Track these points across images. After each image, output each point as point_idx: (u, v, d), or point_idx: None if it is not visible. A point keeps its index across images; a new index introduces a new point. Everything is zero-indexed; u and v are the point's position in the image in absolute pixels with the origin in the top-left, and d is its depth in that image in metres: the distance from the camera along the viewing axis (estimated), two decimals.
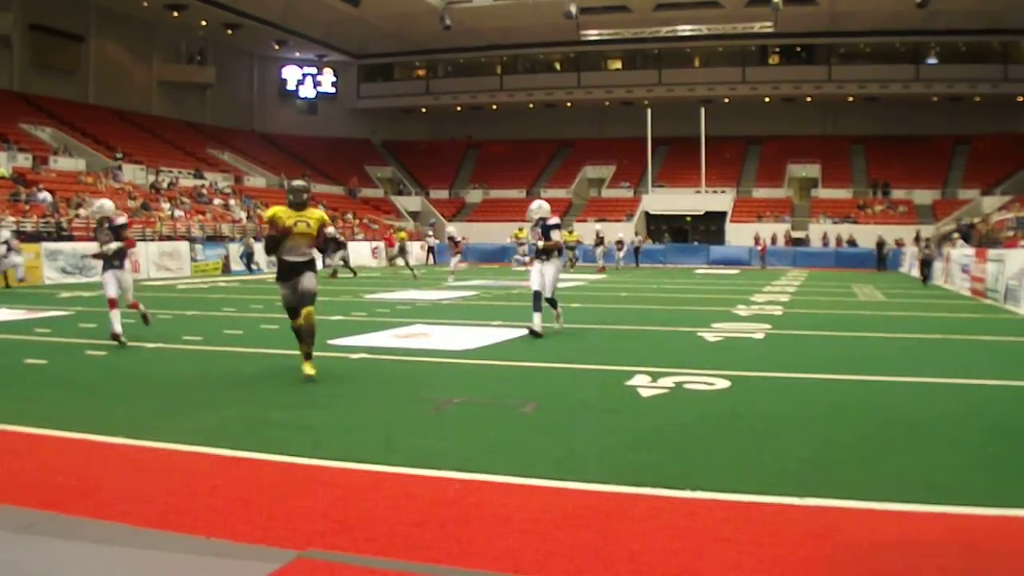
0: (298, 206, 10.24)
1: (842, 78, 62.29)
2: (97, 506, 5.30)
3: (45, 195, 37.09)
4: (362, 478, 5.99)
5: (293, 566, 4.33)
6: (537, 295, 14.69)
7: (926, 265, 35.17)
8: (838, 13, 56.66)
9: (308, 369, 9.98)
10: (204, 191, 49.91)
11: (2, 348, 13.22)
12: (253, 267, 38.69)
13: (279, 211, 10.19)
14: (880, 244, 47.77)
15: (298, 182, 10.66)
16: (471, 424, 7.85)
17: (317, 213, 10.36)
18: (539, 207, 15.38)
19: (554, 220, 15.20)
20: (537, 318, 14.54)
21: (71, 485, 5.78)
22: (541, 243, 14.95)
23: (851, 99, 64.65)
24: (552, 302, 15.01)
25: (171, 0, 53.96)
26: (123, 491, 5.65)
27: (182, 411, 8.39)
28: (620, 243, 47.80)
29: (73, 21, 54.07)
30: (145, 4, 54.66)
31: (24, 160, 42.24)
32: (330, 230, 34.85)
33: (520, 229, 45.80)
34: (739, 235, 57.51)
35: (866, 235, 52.99)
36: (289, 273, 10.22)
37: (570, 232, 46.69)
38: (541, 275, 14.80)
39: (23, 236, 30.56)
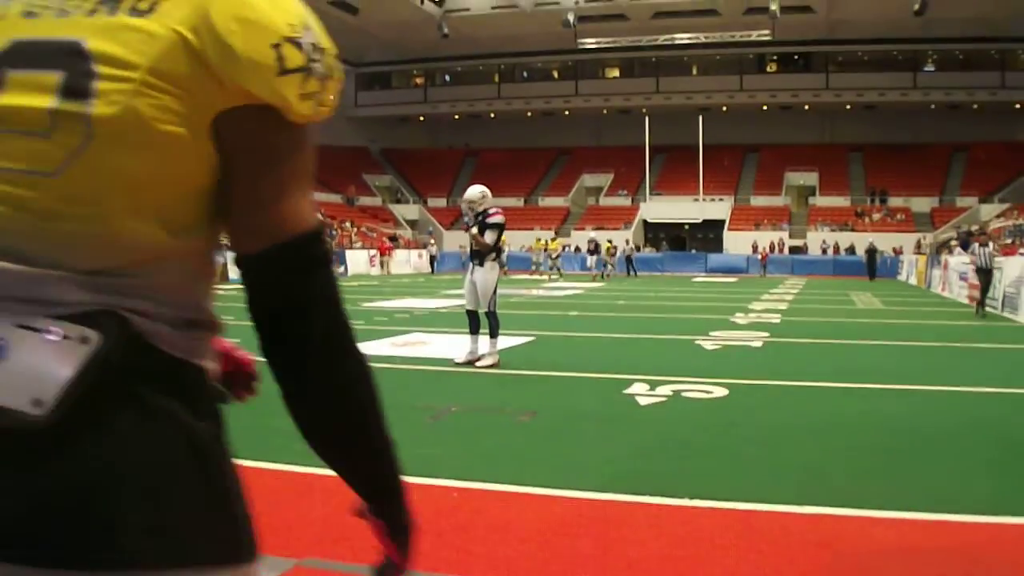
0: None
1: (840, 86, 62.42)
2: None
3: None
4: None
5: (292, 574, 4.33)
6: (471, 315, 12.18)
7: (984, 275, 22.14)
8: (835, 21, 56.84)
9: None
10: None
11: None
12: None
13: None
14: (871, 252, 47.57)
15: None
16: (469, 432, 7.85)
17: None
18: (476, 194, 12.31)
19: (497, 218, 12.12)
20: (474, 343, 12.14)
21: None
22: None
23: (849, 107, 64.77)
24: (490, 318, 12.03)
25: None
26: None
27: None
28: (595, 245, 45.98)
29: None
30: None
31: None
32: None
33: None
34: (737, 243, 57.51)
35: (864, 243, 53.09)
36: None
37: (552, 240, 45.83)
38: (472, 286, 12.14)
39: None
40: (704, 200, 61.30)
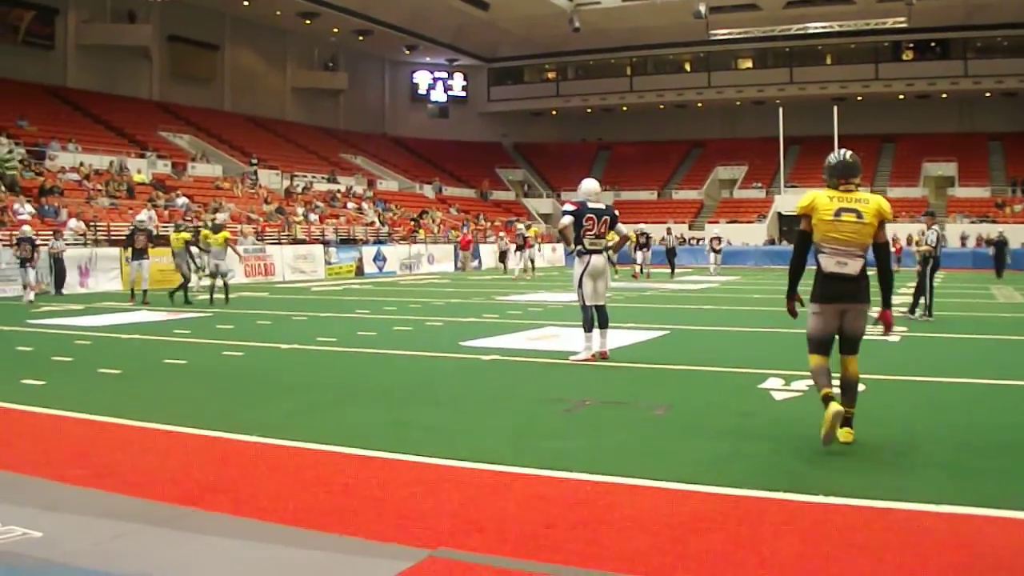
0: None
1: (979, 73, 60.71)
2: (233, 503, 5.43)
3: (183, 200, 38.01)
4: (493, 478, 6.03)
5: (425, 565, 4.37)
6: (585, 309, 11.89)
7: None
8: (974, 5, 55.15)
9: None
10: (338, 195, 50.59)
11: (144, 348, 13.59)
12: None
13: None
14: (999, 244, 42.78)
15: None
16: (602, 426, 7.85)
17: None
18: (582, 187, 12.13)
19: (565, 206, 12.12)
20: (585, 338, 11.90)
21: (208, 481, 5.91)
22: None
23: (988, 94, 63.07)
24: (583, 311, 11.90)
25: (304, 8, 54.90)
26: (258, 488, 5.77)
27: (316, 411, 8.54)
28: (646, 238, 39.29)
29: (209, 31, 55.42)
30: (278, 13, 55.80)
31: (163, 167, 43.41)
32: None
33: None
34: None
35: (1006, 235, 51.55)
36: None
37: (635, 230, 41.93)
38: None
39: (163, 240, 31.26)
40: None
